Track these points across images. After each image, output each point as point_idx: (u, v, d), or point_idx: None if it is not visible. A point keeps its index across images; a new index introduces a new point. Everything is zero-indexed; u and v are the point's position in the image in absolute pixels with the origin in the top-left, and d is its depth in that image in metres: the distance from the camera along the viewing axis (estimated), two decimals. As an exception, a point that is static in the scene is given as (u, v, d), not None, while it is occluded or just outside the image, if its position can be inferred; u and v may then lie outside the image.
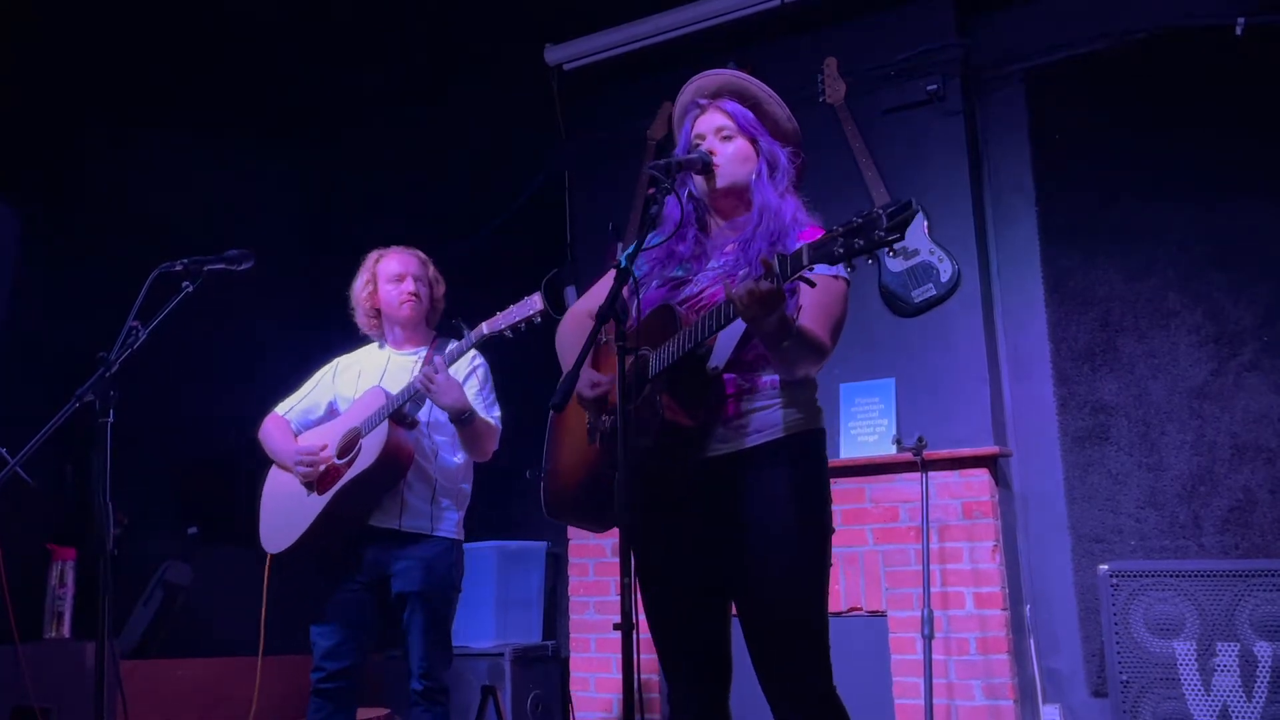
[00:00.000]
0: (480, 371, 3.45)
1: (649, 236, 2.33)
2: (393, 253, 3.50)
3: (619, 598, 2.01)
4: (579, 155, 5.37)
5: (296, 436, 3.45)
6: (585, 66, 5.27)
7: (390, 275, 3.46)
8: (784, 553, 2.23)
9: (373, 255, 3.52)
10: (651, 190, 2.28)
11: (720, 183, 2.40)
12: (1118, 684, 3.65)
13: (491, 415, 3.38)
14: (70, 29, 4.56)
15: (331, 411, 3.50)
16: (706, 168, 2.39)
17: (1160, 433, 4.11)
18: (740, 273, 2.30)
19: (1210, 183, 4.15)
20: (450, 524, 3.35)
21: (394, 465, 3.23)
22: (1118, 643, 3.65)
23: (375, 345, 3.55)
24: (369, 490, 3.24)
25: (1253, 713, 3.45)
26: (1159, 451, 4.10)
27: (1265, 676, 3.45)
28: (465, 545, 3.27)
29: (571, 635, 4.83)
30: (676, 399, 2.24)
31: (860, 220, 1.91)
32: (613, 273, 2.52)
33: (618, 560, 2.03)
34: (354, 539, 3.28)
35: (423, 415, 3.31)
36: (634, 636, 1.99)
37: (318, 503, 3.27)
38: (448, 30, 5.25)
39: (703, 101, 2.48)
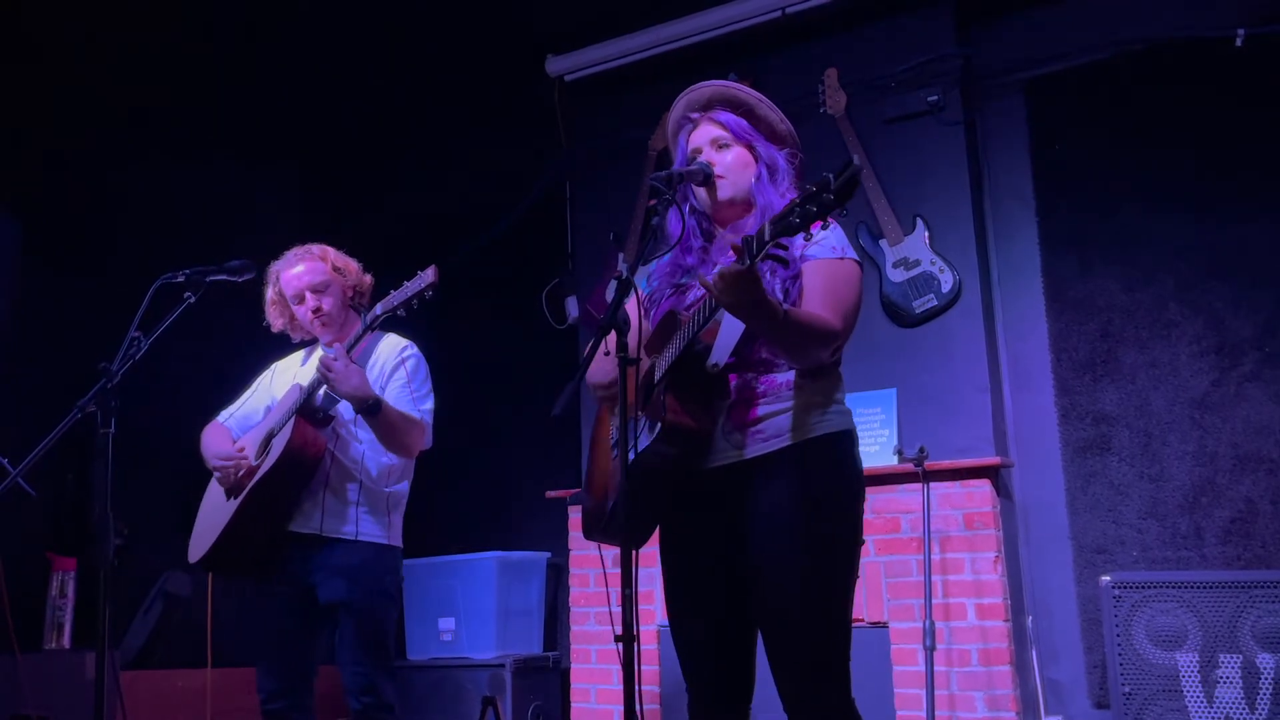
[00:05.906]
0: (410, 363, 3.22)
1: (652, 249, 2.32)
2: (287, 264, 3.28)
3: (620, 609, 2.00)
4: (580, 166, 5.38)
5: (235, 443, 3.29)
6: (587, 77, 5.29)
7: (291, 297, 3.27)
8: (792, 572, 2.18)
9: (274, 269, 3.31)
10: (653, 202, 2.26)
11: (723, 194, 2.38)
12: (1120, 696, 3.64)
13: (418, 409, 3.15)
14: (72, 40, 4.57)
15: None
16: (707, 179, 2.37)
17: (1162, 443, 4.11)
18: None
19: (1210, 193, 4.15)
20: (376, 528, 3.12)
21: (299, 463, 3.03)
22: (1120, 654, 3.64)
23: (314, 344, 3.37)
24: (278, 491, 3.05)
25: (1255, 724, 3.44)
26: (1160, 462, 4.10)
27: (1268, 688, 3.44)
28: (466, 556, 3.15)
29: (572, 646, 4.82)
30: (679, 400, 2.21)
31: (813, 188, 1.90)
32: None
33: (619, 571, 2.02)
34: (275, 545, 3.09)
35: (347, 411, 3.12)
36: (635, 648, 1.98)
37: (231, 507, 3.11)
38: (450, 41, 5.26)
39: (694, 115, 2.45)
